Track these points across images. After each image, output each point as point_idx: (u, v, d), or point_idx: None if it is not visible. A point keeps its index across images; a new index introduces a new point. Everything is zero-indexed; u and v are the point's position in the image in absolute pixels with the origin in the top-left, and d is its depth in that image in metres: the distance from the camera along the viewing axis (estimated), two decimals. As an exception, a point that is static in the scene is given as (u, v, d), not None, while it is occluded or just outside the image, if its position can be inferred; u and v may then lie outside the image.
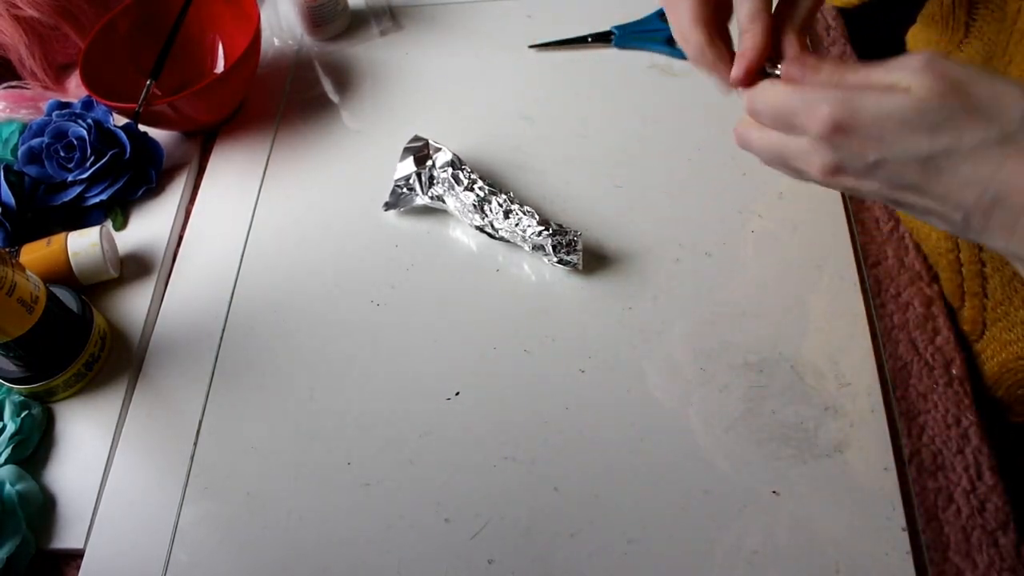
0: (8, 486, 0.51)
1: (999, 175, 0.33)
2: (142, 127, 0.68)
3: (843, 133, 0.35)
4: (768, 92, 0.39)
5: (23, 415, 0.54)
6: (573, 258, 0.56)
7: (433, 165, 0.62)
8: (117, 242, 0.64)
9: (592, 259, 0.58)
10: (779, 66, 0.41)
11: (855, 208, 0.59)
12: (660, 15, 0.73)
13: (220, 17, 0.74)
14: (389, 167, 0.64)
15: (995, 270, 0.46)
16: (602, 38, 0.72)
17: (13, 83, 0.75)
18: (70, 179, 0.65)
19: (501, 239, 0.59)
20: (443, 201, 0.61)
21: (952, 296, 0.53)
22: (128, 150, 0.66)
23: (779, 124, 0.39)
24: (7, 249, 0.61)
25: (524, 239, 0.57)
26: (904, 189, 0.36)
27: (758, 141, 0.41)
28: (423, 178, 0.62)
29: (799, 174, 0.40)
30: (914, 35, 0.54)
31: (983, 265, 0.47)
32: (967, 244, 0.48)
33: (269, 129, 0.71)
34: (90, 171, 0.65)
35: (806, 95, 0.37)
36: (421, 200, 0.62)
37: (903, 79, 0.34)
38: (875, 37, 0.55)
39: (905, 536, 0.45)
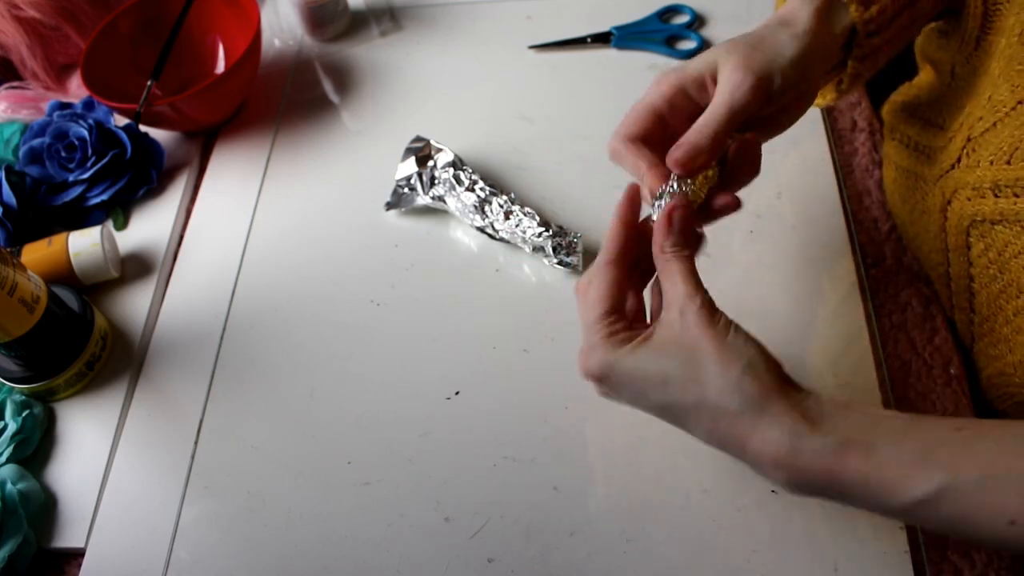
0: (9, 485, 0.52)
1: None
2: (143, 127, 0.68)
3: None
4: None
5: (24, 414, 0.55)
6: (573, 259, 0.56)
7: (435, 165, 0.62)
8: (118, 242, 0.65)
9: (592, 260, 0.58)
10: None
11: (854, 208, 0.59)
12: (659, 16, 0.73)
13: (221, 18, 0.74)
14: (389, 167, 0.64)
15: (983, 286, 0.46)
16: (601, 39, 0.72)
17: (14, 83, 0.75)
18: (71, 179, 0.66)
19: (501, 240, 0.59)
20: (444, 201, 0.61)
21: (944, 306, 0.53)
22: (129, 150, 0.66)
23: None
24: (8, 249, 0.61)
25: (524, 240, 0.57)
26: None
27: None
28: (424, 178, 0.62)
29: None
30: (921, 46, 0.54)
31: (971, 280, 0.47)
32: (956, 259, 0.48)
33: (269, 129, 0.72)
34: (91, 171, 0.65)
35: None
36: (422, 200, 0.62)
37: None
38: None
39: (903, 534, 0.45)
